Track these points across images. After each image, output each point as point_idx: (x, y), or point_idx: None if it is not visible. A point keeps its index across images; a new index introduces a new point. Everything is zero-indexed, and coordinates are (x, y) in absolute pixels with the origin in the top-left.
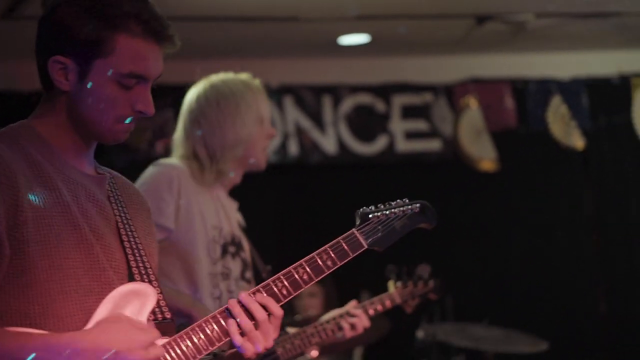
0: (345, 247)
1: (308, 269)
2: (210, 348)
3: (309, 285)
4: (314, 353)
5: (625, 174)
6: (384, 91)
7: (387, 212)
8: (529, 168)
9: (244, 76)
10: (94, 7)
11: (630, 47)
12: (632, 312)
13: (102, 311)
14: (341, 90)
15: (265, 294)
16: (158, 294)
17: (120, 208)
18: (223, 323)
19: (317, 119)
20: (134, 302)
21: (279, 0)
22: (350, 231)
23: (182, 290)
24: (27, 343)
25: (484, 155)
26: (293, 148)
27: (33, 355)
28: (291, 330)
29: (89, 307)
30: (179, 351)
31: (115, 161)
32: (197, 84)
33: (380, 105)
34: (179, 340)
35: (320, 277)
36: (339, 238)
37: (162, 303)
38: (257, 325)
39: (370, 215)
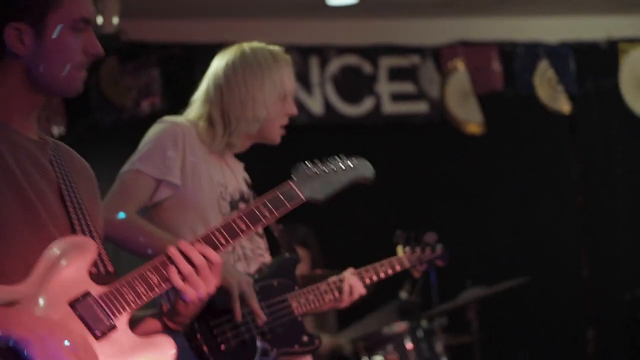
0: (282, 199)
1: (245, 219)
2: (150, 294)
3: (247, 234)
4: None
5: (611, 139)
6: (372, 53)
7: (325, 167)
8: (515, 131)
9: (275, 49)
10: None
11: (619, 12)
12: (614, 278)
13: (43, 263)
14: (328, 51)
15: (203, 244)
16: (101, 249)
17: (62, 172)
18: (163, 269)
19: (304, 80)
20: (73, 254)
21: None
22: (287, 183)
23: None
24: None
25: (471, 118)
26: None
27: None
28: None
29: (31, 262)
30: (119, 297)
31: (101, 121)
32: (229, 48)
33: (367, 67)
34: (118, 287)
35: (258, 226)
36: (275, 189)
37: (105, 257)
38: (197, 272)
39: (307, 170)
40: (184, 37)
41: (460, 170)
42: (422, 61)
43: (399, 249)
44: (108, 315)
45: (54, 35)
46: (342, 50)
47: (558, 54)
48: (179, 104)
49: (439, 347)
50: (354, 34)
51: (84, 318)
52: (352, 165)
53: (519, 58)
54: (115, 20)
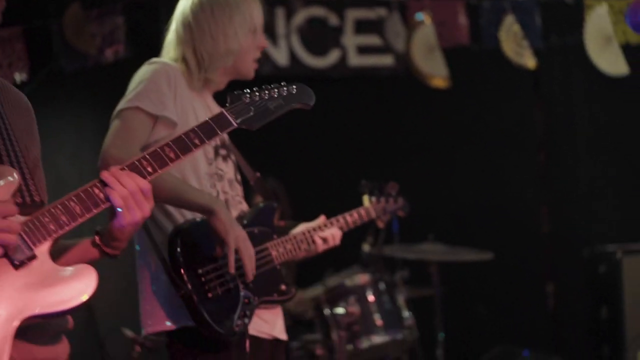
0: (213, 125)
1: (174, 147)
2: (72, 223)
3: (175, 163)
4: None
5: (575, 95)
6: (338, 5)
7: (261, 93)
8: (480, 86)
9: None
10: None
11: None
12: (574, 233)
13: None
14: (294, 2)
15: (130, 172)
16: (29, 179)
17: None
18: (86, 199)
19: (270, 31)
20: None
21: None
22: (220, 110)
23: None
24: None
25: (436, 72)
26: None
27: None
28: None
29: None
30: (40, 227)
31: (64, 68)
32: None
33: (333, 19)
34: (40, 216)
35: (188, 155)
36: (207, 118)
37: (32, 188)
38: (131, 196)
39: (242, 97)
40: None
41: (425, 124)
42: (389, 14)
43: (366, 199)
44: (28, 244)
45: None
46: (309, 2)
47: (524, 8)
48: (143, 52)
49: (400, 299)
50: None
51: (3, 247)
52: (291, 91)
53: (484, 12)
54: None
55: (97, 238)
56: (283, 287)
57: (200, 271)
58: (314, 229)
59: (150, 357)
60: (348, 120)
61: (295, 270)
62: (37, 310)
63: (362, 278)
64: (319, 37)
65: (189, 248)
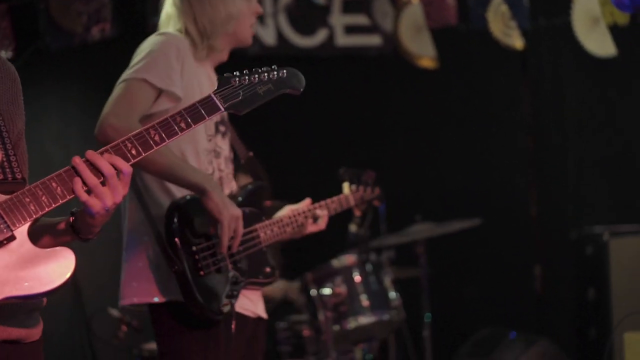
0: (201, 110)
1: (160, 130)
2: (53, 204)
3: (160, 146)
4: None
5: (563, 76)
6: None
7: (251, 76)
8: (468, 66)
9: None
10: None
11: None
12: (561, 215)
13: None
14: None
15: (113, 154)
16: (11, 155)
17: None
18: (68, 180)
19: None
20: None
21: None
22: (208, 94)
23: None
24: None
25: (424, 52)
26: None
27: None
28: None
29: None
30: (20, 207)
31: (50, 46)
32: None
33: None
34: (20, 196)
35: (173, 139)
36: (195, 101)
37: (15, 165)
38: (105, 181)
39: (232, 80)
40: None
41: (412, 104)
42: None
43: (346, 186)
44: (7, 224)
45: None
46: None
47: None
48: (129, 31)
49: (387, 280)
50: None
51: None
52: (281, 76)
53: None
54: None
55: (71, 219)
56: (268, 269)
57: (194, 248)
58: (300, 212)
59: (137, 337)
60: (335, 100)
61: (280, 256)
62: (14, 292)
63: (349, 259)
64: (306, 16)
65: (186, 223)
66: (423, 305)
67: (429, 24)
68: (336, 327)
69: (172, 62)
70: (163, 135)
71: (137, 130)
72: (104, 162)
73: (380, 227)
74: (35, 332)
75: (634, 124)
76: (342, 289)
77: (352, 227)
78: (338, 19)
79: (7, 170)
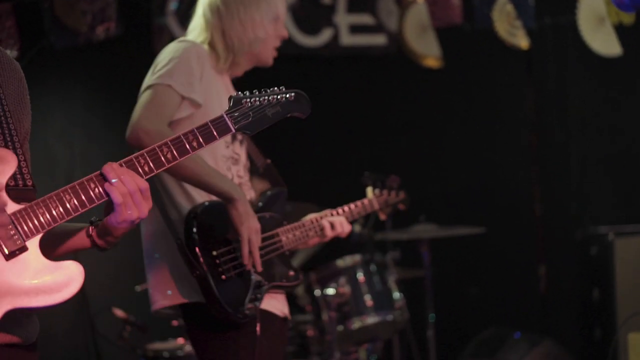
0: (213, 130)
1: (173, 149)
2: (66, 217)
3: (172, 164)
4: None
5: (568, 76)
6: None
7: (260, 98)
8: (472, 66)
9: None
10: None
11: None
12: (566, 215)
13: None
14: None
15: (127, 169)
16: (22, 161)
17: None
18: (81, 193)
19: None
20: None
21: None
22: (220, 114)
23: None
24: None
25: (429, 52)
26: None
27: None
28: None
29: None
30: (34, 218)
31: (55, 45)
32: None
33: None
34: (34, 207)
35: (184, 157)
36: (208, 121)
37: (25, 170)
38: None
39: (242, 101)
40: None
41: (417, 104)
42: None
43: (369, 191)
44: (21, 235)
45: None
46: None
47: None
48: (134, 31)
49: (391, 280)
50: None
51: None
52: (289, 99)
53: None
54: None
55: (90, 229)
56: (291, 272)
57: (214, 253)
58: (322, 217)
59: (141, 337)
60: (340, 100)
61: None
62: (24, 303)
63: (353, 259)
64: (311, 15)
65: (205, 229)
66: (427, 305)
67: (434, 23)
68: (340, 328)
69: (192, 69)
70: (175, 153)
71: (151, 147)
72: (127, 176)
73: (385, 223)
74: (33, 335)
75: (638, 123)
76: (346, 289)
77: (357, 228)
78: (343, 19)
79: (18, 176)
